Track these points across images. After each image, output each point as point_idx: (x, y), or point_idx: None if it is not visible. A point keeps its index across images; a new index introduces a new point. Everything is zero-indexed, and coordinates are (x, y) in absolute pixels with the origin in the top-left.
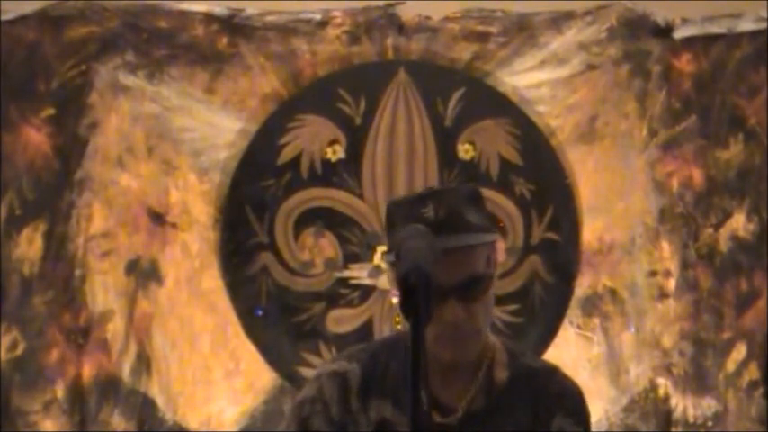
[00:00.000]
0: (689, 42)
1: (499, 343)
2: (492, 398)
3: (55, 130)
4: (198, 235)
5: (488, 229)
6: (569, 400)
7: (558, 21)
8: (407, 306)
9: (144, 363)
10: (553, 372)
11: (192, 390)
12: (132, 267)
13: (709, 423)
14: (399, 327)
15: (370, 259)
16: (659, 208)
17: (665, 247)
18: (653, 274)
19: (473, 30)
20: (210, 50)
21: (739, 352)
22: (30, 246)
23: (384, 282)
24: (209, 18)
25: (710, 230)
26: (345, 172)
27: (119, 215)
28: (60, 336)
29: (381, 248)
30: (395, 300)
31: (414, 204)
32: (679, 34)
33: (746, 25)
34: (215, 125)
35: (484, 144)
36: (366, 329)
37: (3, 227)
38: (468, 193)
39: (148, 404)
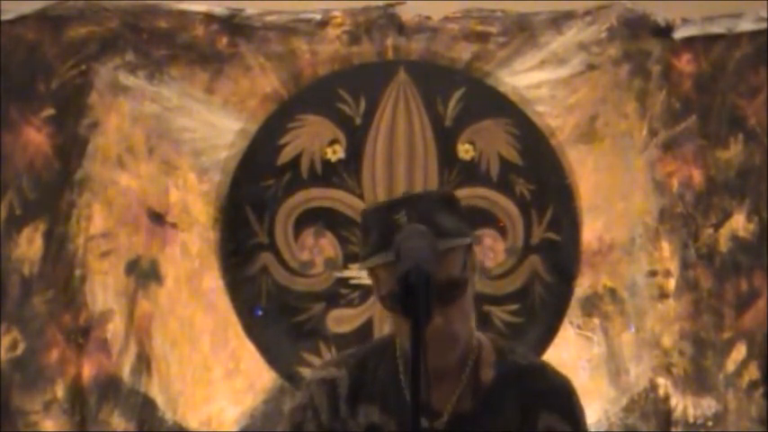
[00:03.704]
0: (689, 42)
1: (487, 342)
2: (479, 399)
3: (55, 130)
4: (198, 235)
5: (462, 233)
6: (556, 397)
7: (558, 21)
8: (407, 306)
9: (144, 363)
10: (541, 369)
11: (192, 390)
12: (132, 267)
13: (710, 423)
14: None
15: None
16: (659, 208)
17: (665, 247)
18: (653, 274)
19: (473, 30)
20: (210, 50)
21: (739, 352)
22: (30, 246)
23: None
24: (209, 18)
25: (710, 230)
26: (345, 172)
27: (119, 215)
28: (60, 336)
29: None
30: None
31: (387, 211)
32: (679, 34)
33: (746, 25)
34: (215, 125)
35: (484, 144)
36: (366, 329)
37: (3, 227)
38: (441, 198)
39: (148, 404)
